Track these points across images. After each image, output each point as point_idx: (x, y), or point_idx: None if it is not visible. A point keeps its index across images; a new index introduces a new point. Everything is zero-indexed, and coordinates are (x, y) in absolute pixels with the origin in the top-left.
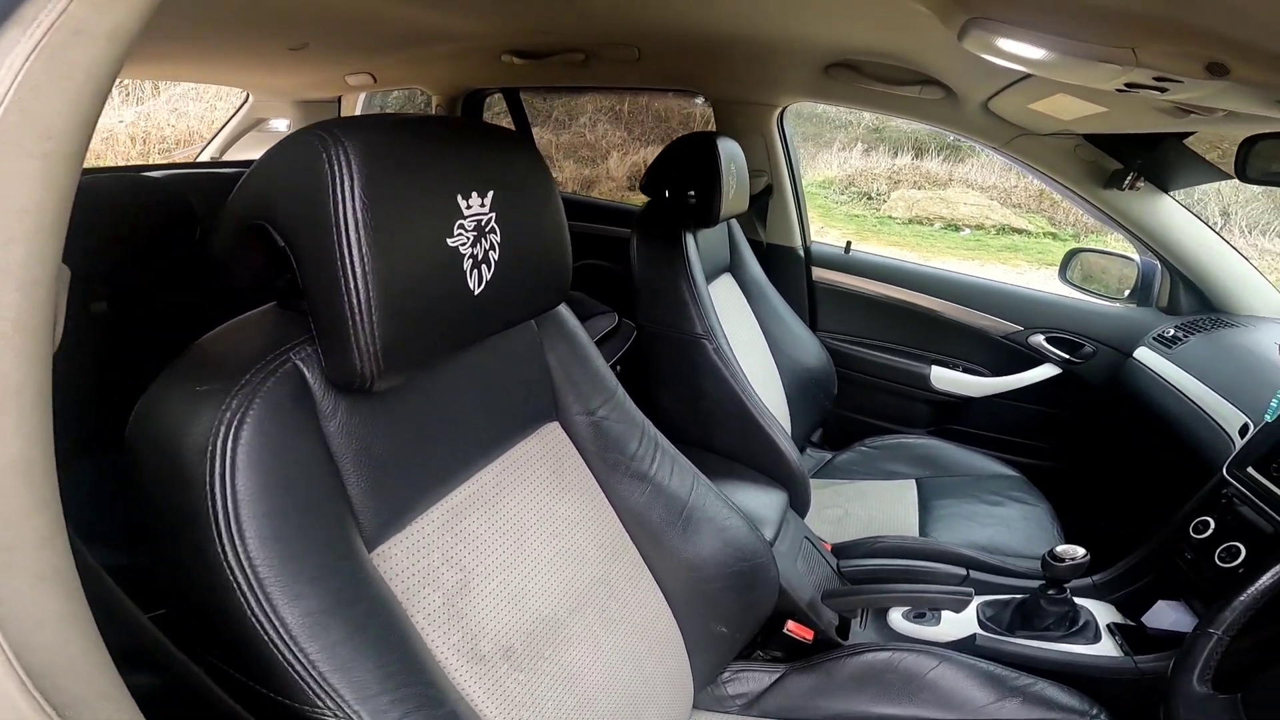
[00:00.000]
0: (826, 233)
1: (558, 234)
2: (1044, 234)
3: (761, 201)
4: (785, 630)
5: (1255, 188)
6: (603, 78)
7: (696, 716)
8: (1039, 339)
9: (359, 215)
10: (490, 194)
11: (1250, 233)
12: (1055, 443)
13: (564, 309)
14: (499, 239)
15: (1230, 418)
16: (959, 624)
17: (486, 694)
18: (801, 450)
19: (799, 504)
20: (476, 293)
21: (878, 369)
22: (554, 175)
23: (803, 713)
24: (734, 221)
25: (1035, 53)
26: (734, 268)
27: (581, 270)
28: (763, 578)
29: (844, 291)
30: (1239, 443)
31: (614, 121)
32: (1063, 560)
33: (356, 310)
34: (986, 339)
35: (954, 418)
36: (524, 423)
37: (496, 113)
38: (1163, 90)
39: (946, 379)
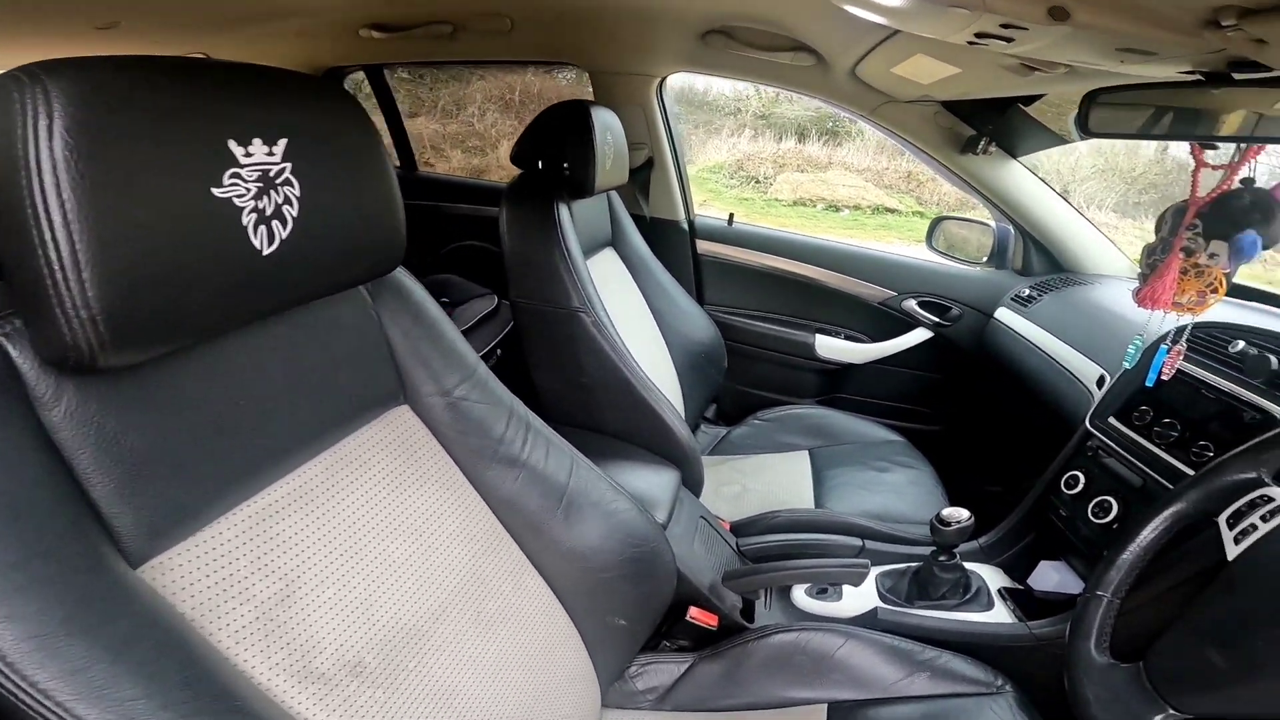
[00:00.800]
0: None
1: (385, 192)
2: (913, 213)
3: (643, 175)
4: (689, 618)
5: (1088, 167)
6: (473, 51)
7: (608, 716)
8: (911, 303)
9: (58, 158)
10: (282, 142)
11: (1088, 207)
12: (934, 406)
13: (407, 278)
14: (298, 193)
15: (1087, 371)
16: (860, 598)
17: (333, 716)
18: (696, 427)
19: (692, 482)
20: (266, 253)
21: (765, 340)
22: (442, 165)
23: (716, 703)
24: (615, 195)
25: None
26: (616, 242)
27: (458, 252)
28: (658, 564)
29: (728, 264)
30: (1097, 395)
31: (504, 110)
32: (949, 524)
33: (57, 269)
34: (864, 305)
35: (840, 385)
36: (361, 408)
37: (365, 95)
38: (1009, 40)
39: (830, 347)
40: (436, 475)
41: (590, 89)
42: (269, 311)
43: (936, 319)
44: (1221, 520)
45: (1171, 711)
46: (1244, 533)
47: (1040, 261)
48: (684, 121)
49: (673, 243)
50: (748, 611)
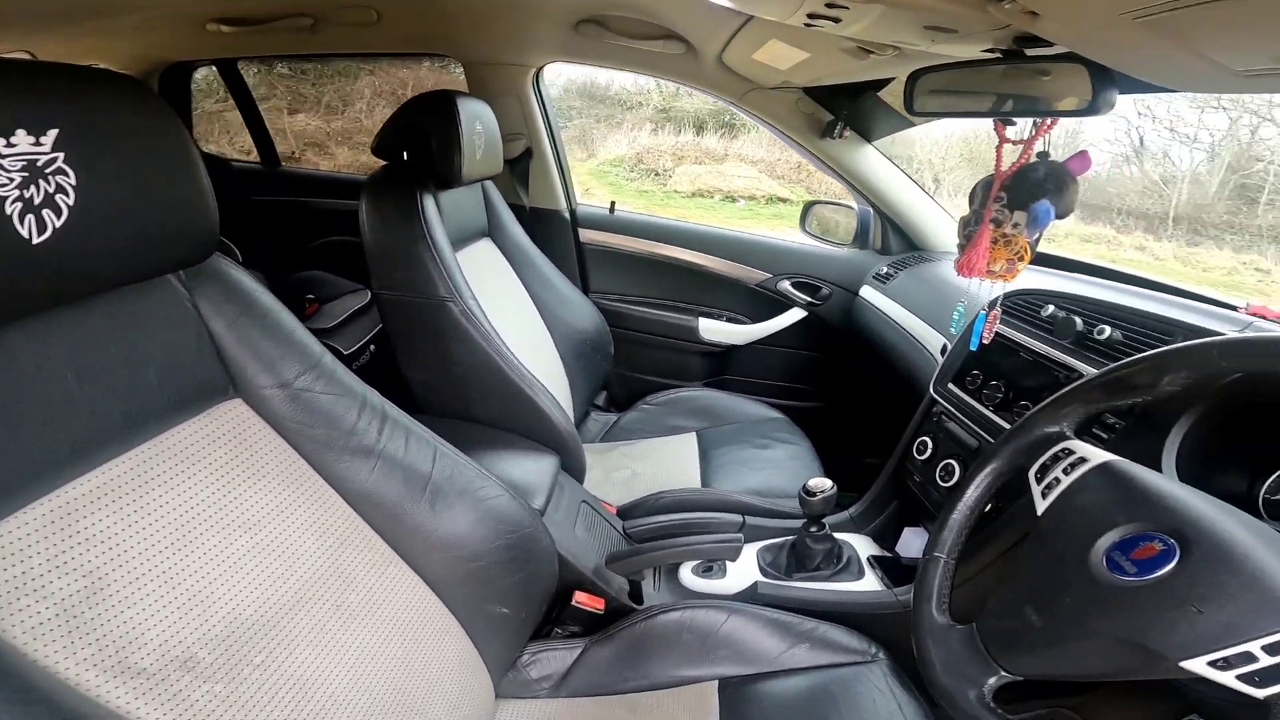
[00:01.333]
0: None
1: (189, 181)
2: (803, 202)
3: (522, 165)
4: (574, 603)
5: (956, 156)
6: (338, 43)
7: (503, 706)
8: (785, 284)
9: None
10: (52, 133)
11: (955, 195)
12: (812, 383)
13: (232, 268)
14: (73, 182)
15: (933, 340)
16: (743, 574)
17: (161, 710)
18: (586, 415)
19: (573, 468)
20: (36, 242)
21: (651, 325)
22: (327, 162)
23: (611, 687)
24: (490, 185)
25: None
26: (493, 232)
27: (328, 247)
28: (535, 549)
29: (612, 252)
30: (939, 361)
31: (395, 104)
32: (815, 494)
33: None
34: (744, 288)
35: (725, 367)
36: (180, 402)
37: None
38: (838, 20)
39: (713, 329)
40: (278, 469)
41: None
42: (50, 302)
43: (809, 299)
44: (1031, 475)
45: (1003, 673)
46: (1049, 486)
47: (897, 241)
48: (585, 116)
49: (555, 232)
50: (636, 594)
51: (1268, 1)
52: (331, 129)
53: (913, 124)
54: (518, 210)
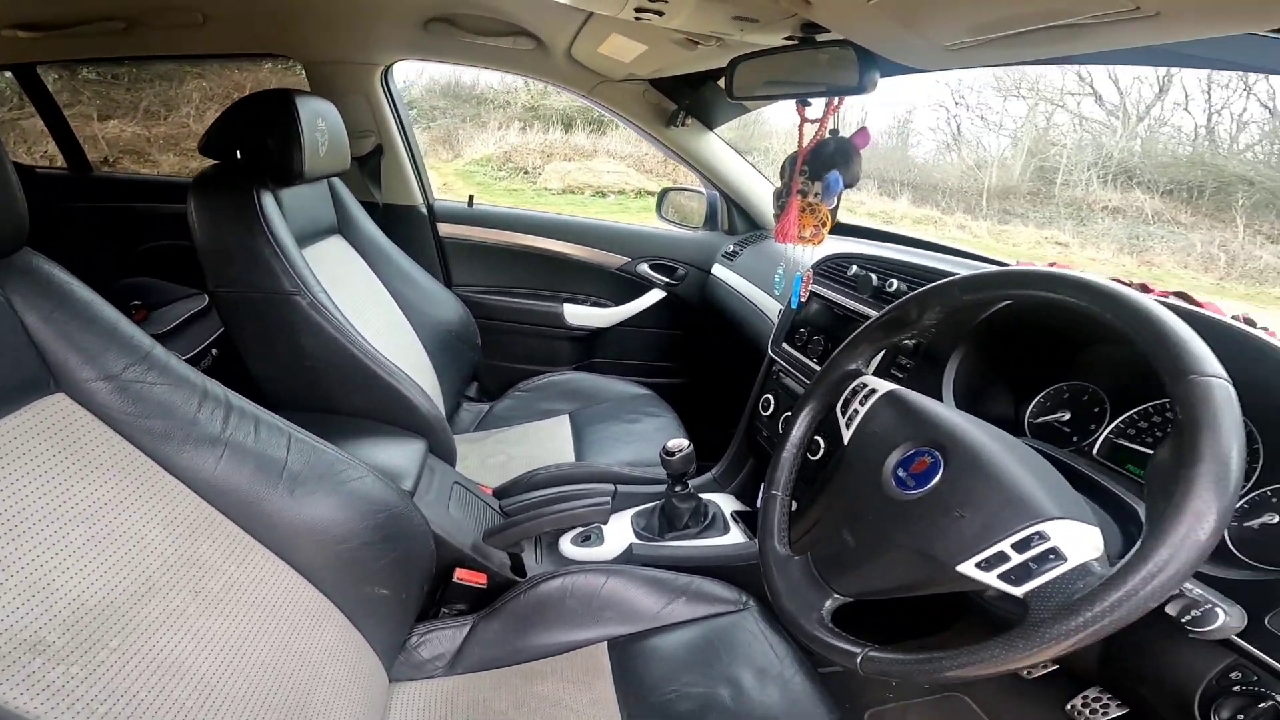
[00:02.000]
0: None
1: None
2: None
3: (372, 162)
4: (456, 580)
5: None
6: (157, 46)
7: (398, 689)
8: (644, 267)
9: None
10: None
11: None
12: (676, 359)
13: (44, 262)
14: None
15: (772, 307)
16: (619, 539)
17: (16, 691)
18: (458, 406)
19: (442, 451)
20: None
21: (518, 314)
22: (149, 170)
23: (505, 659)
24: (339, 182)
25: None
26: (344, 229)
27: (157, 253)
28: (407, 528)
29: (474, 245)
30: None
31: None
32: (674, 454)
33: None
34: (605, 273)
35: (594, 350)
36: None
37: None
38: (661, 13)
39: (578, 314)
40: (110, 461)
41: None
42: None
43: (667, 279)
44: (838, 410)
45: (835, 595)
46: (850, 418)
47: (741, 222)
48: (450, 115)
49: (412, 227)
50: (518, 568)
51: None
52: (153, 135)
53: (747, 109)
54: (371, 207)
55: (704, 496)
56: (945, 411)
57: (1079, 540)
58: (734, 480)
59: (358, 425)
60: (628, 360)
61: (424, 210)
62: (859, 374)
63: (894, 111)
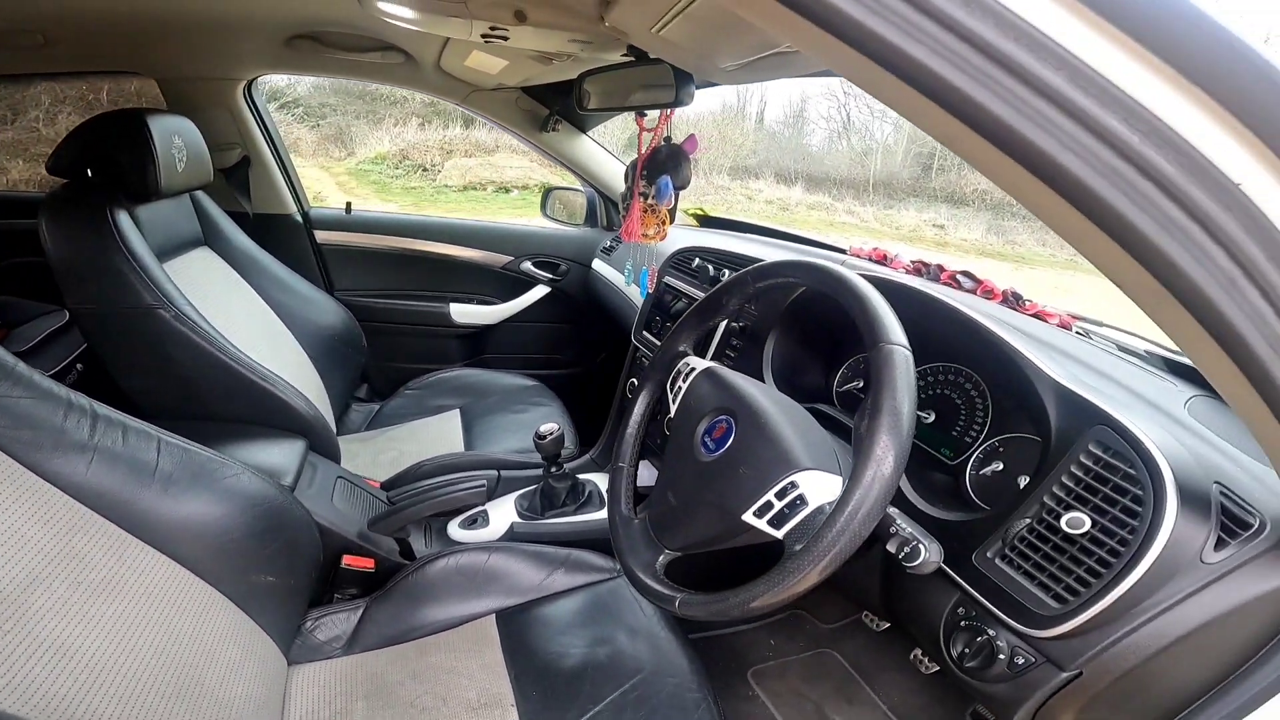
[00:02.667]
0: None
1: None
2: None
3: (239, 173)
4: (344, 565)
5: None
6: None
7: (297, 671)
8: (528, 265)
9: None
10: None
11: (710, 173)
12: (562, 351)
13: None
14: None
15: (638, 297)
16: (503, 520)
17: None
18: (347, 407)
19: (325, 450)
20: None
21: (404, 316)
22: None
23: (399, 636)
24: (202, 195)
25: (407, 13)
26: (211, 241)
27: (11, 270)
28: (288, 519)
29: (355, 250)
30: None
31: (85, 112)
32: (545, 437)
33: None
34: (490, 272)
35: (482, 347)
36: None
37: None
38: (506, 37)
39: (465, 312)
40: None
41: None
42: None
43: (550, 275)
44: (668, 389)
45: (665, 550)
46: (676, 394)
47: (616, 218)
48: (342, 113)
49: (287, 235)
50: (408, 554)
51: (704, 25)
52: (0, 141)
53: (615, 113)
54: (241, 217)
55: (581, 476)
56: (743, 382)
57: (821, 487)
58: (609, 461)
59: (236, 430)
60: (516, 354)
61: (299, 218)
62: (684, 355)
63: (790, 101)
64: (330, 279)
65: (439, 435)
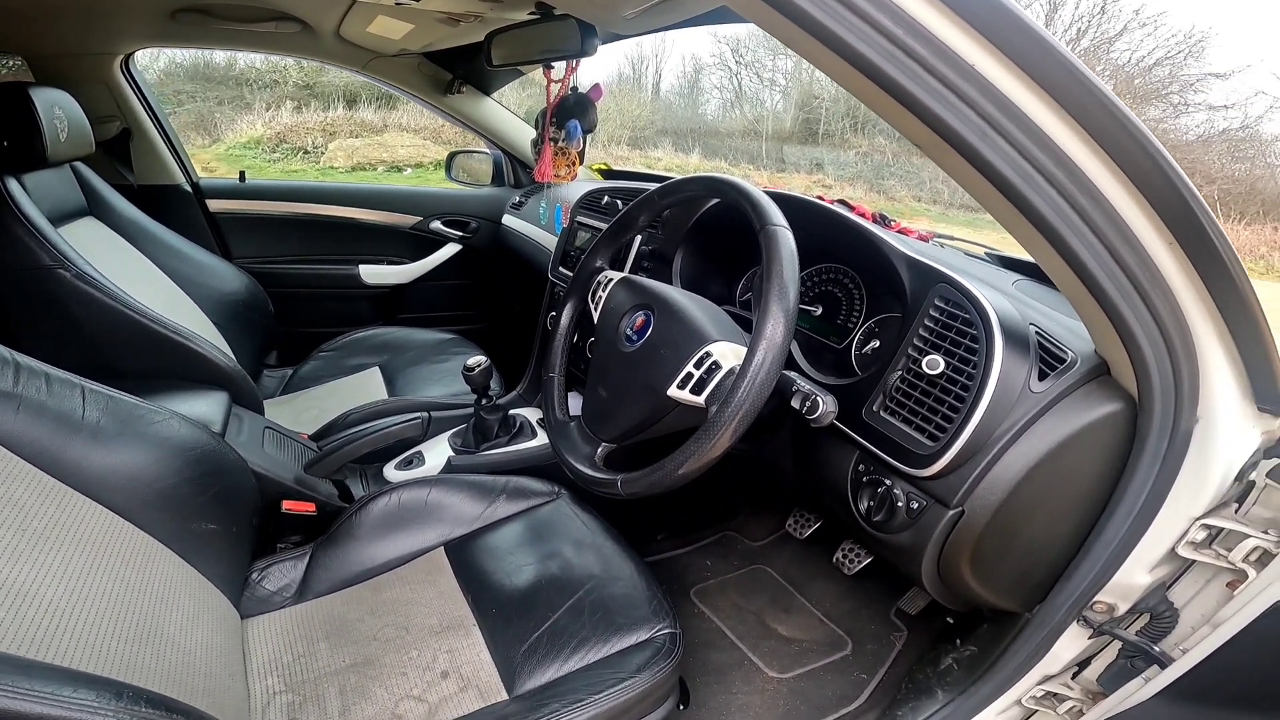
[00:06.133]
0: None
1: None
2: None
3: (120, 146)
4: (284, 511)
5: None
6: None
7: (251, 624)
8: (437, 224)
9: None
10: None
11: (610, 144)
12: (477, 306)
13: None
14: None
15: (552, 241)
16: (439, 457)
17: None
18: (258, 374)
19: (248, 403)
20: None
21: (313, 280)
22: None
23: (351, 578)
24: (82, 166)
25: None
26: (96, 210)
27: None
28: (223, 463)
29: (254, 218)
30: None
31: None
32: (474, 369)
33: None
34: (398, 232)
35: (397, 307)
36: None
37: None
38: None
39: (375, 273)
40: None
41: None
42: None
43: (460, 233)
44: (589, 301)
45: (602, 443)
46: (597, 303)
47: (525, 175)
48: (203, 99)
49: (177, 205)
50: (346, 496)
51: None
52: None
53: (521, 73)
54: (125, 189)
55: (511, 411)
56: (657, 283)
57: (731, 354)
58: (536, 394)
59: (153, 386)
60: (432, 312)
61: (187, 188)
62: (601, 269)
63: (685, 72)
64: (227, 247)
65: (361, 390)
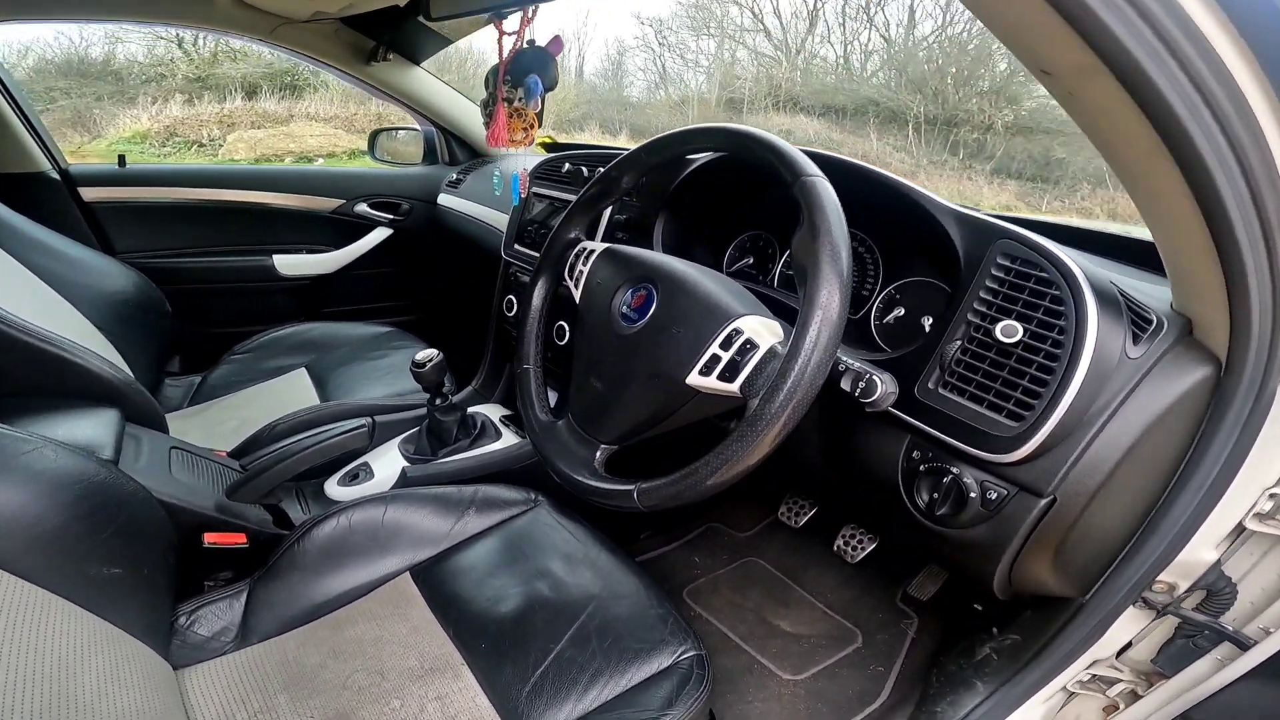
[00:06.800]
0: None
1: None
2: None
3: None
4: (207, 545)
5: (574, 101)
6: None
7: (187, 676)
8: (363, 206)
9: None
10: None
11: (584, 130)
12: (414, 294)
13: None
14: None
15: (500, 220)
16: (390, 468)
17: None
18: (159, 382)
19: (145, 419)
20: None
21: (218, 274)
22: None
23: (302, 617)
24: None
25: None
26: None
27: None
28: (120, 496)
29: (141, 206)
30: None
31: None
32: (424, 365)
33: None
34: (318, 217)
35: (322, 300)
36: None
37: None
38: None
39: (293, 264)
40: None
41: None
42: None
43: (391, 216)
44: (566, 276)
45: (601, 445)
46: (577, 279)
47: (461, 151)
48: (79, 95)
49: (42, 196)
50: (283, 522)
51: None
52: None
53: (450, 40)
54: None
55: (470, 410)
56: (652, 253)
57: (764, 329)
58: (495, 388)
59: (21, 407)
60: (362, 304)
61: (54, 175)
62: (578, 241)
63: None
64: (109, 240)
65: (287, 396)
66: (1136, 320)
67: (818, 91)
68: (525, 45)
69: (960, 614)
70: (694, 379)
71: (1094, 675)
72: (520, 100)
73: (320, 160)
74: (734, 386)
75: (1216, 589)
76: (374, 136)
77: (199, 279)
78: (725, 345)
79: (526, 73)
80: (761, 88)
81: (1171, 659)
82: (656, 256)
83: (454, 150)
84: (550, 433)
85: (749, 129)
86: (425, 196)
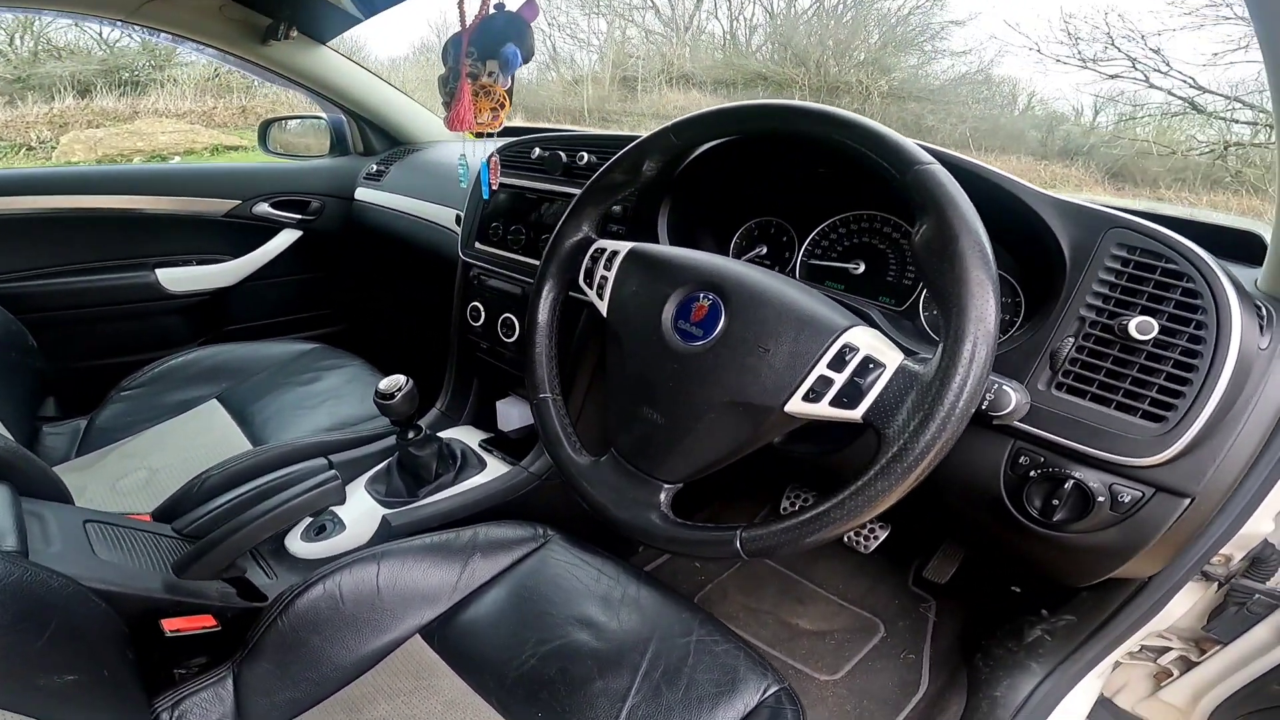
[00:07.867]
0: None
1: None
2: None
3: None
4: (170, 634)
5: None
6: None
7: None
8: (264, 207)
9: None
10: None
11: (555, 121)
12: (334, 303)
13: None
14: None
15: (445, 215)
16: (363, 516)
17: None
18: (35, 432)
19: (41, 490)
20: None
21: (89, 296)
22: None
23: (307, 699)
24: None
25: None
26: None
27: None
28: (42, 595)
29: None
30: (459, 231)
31: None
32: (392, 396)
33: None
34: (209, 223)
35: (221, 317)
36: None
37: None
38: None
39: (181, 278)
40: None
41: None
42: None
43: (299, 216)
44: (582, 284)
45: (665, 485)
46: (601, 286)
47: (379, 140)
48: None
49: None
50: (250, 592)
51: None
52: None
53: (361, 19)
54: None
55: (441, 436)
56: (697, 254)
57: (881, 344)
58: (464, 409)
59: None
60: (274, 319)
61: None
62: (591, 240)
63: None
64: None
65: (203, 436)
66: (1259, 310)
67: (709, 67)
68: (495, 8)
69: (985, 596)
70: (796, 406)
71: (1142, 646)
72: (489, 76)
73: (176, 159)
74: (856, 414)
75: (1263, 556)
76: (264, 128)
77: (66, 304)
78: (837, 365)
79: (498, 43)
80: (654, 65)
81: (1226, 625)
82: (708, 258)
83: (370, 139)
84: (594, 477)
85: (839, 110)
86: (338, 192)
